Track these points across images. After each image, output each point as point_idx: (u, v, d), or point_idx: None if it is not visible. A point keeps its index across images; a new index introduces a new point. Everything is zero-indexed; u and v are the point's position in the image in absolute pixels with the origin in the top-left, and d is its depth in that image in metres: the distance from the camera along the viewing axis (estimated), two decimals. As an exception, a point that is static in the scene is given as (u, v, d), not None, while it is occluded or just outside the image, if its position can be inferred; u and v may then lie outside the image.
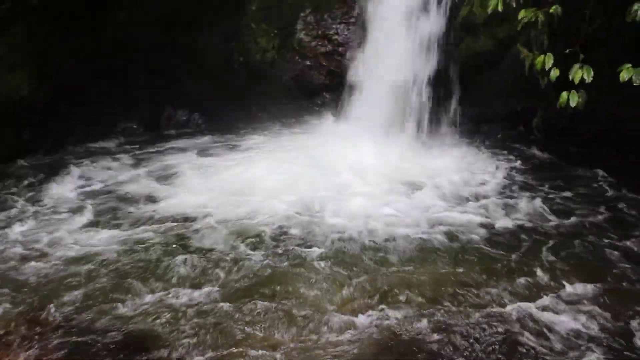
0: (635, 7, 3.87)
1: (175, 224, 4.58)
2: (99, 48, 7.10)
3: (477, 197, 5.10)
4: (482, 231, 4.41)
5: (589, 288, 3.59)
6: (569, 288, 3.60)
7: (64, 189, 5.45)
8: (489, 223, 4.56)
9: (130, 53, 7.35)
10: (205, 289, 3.59)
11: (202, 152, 6.62)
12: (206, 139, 7.22)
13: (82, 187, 5.56)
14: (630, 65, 3.88)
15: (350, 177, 5.42)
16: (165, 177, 5.72)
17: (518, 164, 6.00)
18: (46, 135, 6.67)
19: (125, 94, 7.60)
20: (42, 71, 6.46)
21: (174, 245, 4.16)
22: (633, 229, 4.47)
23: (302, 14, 7.23)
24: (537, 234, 4.38)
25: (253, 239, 4.26)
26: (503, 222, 4.59)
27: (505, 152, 6.35)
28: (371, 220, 4.52)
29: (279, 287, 3.58)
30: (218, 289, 3.61)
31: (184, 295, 3.53)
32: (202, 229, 4.45)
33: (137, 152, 6.74)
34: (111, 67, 7.26)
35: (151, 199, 5.14)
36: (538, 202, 4.95)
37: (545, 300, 3.46)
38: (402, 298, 3.46)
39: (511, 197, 5.10)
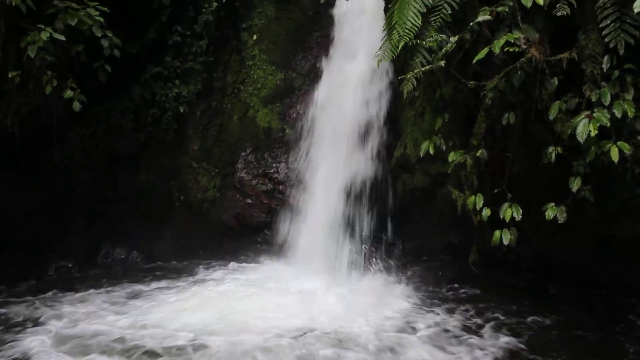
0: (550, 149, 4.24)
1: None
2: (36, 188, 7.00)
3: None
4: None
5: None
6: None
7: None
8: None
9: (69, 189, 7.27)
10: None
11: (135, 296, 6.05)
12: (142, 278, 6.71)
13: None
14: (553, 204, 4.16)
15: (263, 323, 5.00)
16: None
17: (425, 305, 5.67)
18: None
19: (61, 232, 7.40)
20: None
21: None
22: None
23: (243, 153, 7.43)
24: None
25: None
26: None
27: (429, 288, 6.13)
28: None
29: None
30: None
31: None
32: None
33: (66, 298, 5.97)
34: (47, 205, 7.11)
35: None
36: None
37: None
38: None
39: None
